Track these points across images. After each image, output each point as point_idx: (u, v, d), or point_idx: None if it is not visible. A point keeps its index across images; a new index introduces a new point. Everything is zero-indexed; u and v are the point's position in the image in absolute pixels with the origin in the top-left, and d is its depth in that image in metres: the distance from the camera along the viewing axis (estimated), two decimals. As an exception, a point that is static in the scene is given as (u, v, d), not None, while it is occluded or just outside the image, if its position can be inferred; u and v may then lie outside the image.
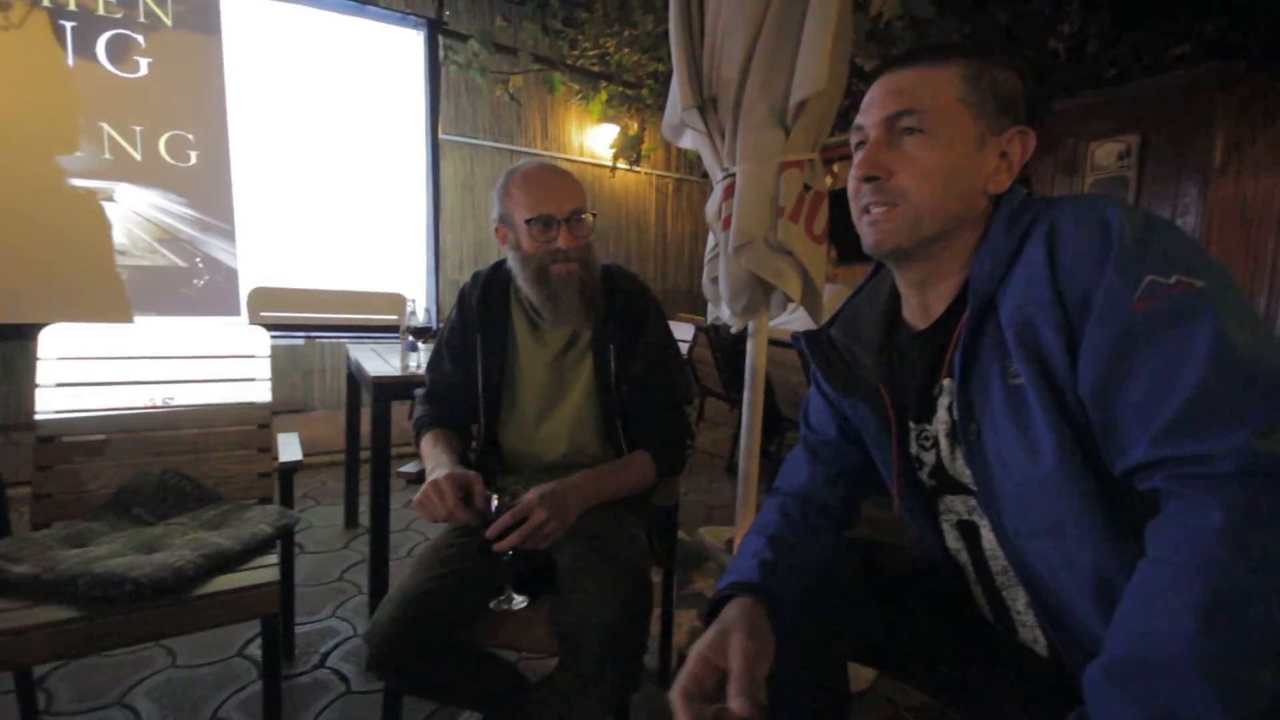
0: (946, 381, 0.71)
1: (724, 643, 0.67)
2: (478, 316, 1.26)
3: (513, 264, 1.22)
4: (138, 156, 3.10)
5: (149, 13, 3.07)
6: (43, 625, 0.97)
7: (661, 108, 1.72)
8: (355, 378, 2.21)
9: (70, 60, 2.92)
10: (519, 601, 1.08)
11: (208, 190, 3.29)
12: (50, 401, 1.39)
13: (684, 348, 2.87)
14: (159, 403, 1.49)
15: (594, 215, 1.21)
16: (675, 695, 0.65)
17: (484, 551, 1.04)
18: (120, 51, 3.02)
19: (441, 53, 3.85)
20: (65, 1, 2.88)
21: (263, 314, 3.39)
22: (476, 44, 3.50)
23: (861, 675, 1.52)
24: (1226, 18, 3.13)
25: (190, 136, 3.21)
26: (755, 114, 1.44)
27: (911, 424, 0.77)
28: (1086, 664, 0.53)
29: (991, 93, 0.69)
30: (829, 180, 5.05)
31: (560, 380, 1.25)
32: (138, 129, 3.08)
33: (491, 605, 1.08)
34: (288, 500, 1.43)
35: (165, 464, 1.43)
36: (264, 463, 1.53)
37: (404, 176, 3.98)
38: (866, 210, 0.71)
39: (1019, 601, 0.74)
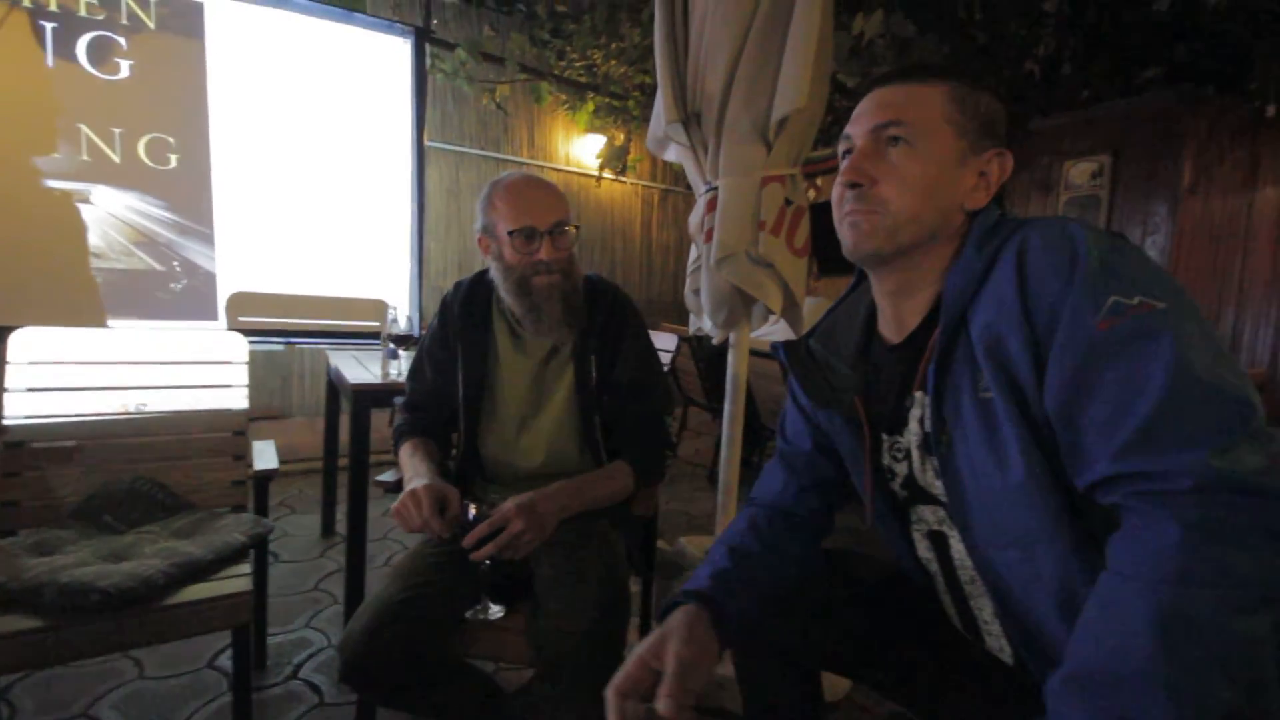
0: (918, 394, 0.73)
1: (662, 647, 0.69)
2: (459, 325, 1.26)
3: (495, 274, 1.23)
4: (116, 159, 3.05)
5: (131, 15, 3.03)
6: (6, 635, 0.95)
7: (647, 119, 1.74)
8: (335, 385, 2.19)
9: (50, 61, 2.88)
10: (495, 611, 1.08)
11: (187, 194, 3.25)
12: (19, 406, 1.36)
13: (667, 357, 2.89)
14: (131, 409, 1.47)
15: (577, 228, 1.22)
16: (610, 693, 0.67)
17: (461, 561, 1.04)
18: (101, 53, 2.98)
19: (428, 61, 3.85)
20: (46, 2, 2.84)
21: (241, 319, 3.35)
22: (464, 53, 3.51)
23: (837, 685, 1.53)
24: (1196, 43, 3.23)
25: (171, 139, 3.18)
26: (738, 129, 1.46)
27: (884, 435, 0.78)
28: (1050, 673, 0.54)
29: (975, 114, 0.71)
30: (812, 194, 5.11)
31: (541, 390, 1.26)
32: (117, 131, 3.04)
33: (468, 615, 1.07)
34: (262, 509, 1.41)
35: (137, 471, 1.41)
36: (239, 470, 1.51)
37: (388, 183, 3.97)
38: (849, 215, 0.73)
39: (986, 611, 0.75)
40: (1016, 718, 0.71)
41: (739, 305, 1.57)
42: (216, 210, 3.33)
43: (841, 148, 0.76)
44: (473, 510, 1.02)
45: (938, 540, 0.77)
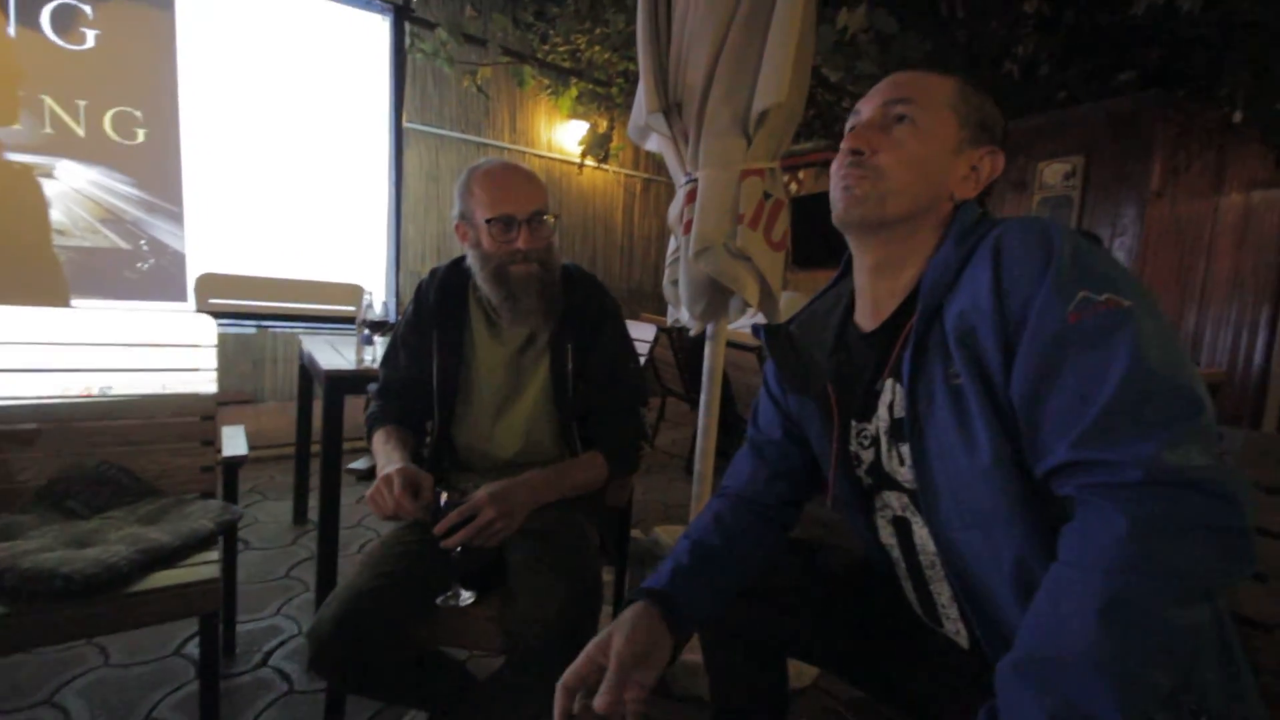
0: (889, 381, 0.75)
1: (605, 641, 0.71)
2: (435, 313, 1.25)
3: (472, 262, 1.22)
4: (81, 132, 2.96)
5: (97, -18, 2.93)
6: (-37, 622, 0.93)
7: (630, 107, 1.73)
8: (308, 370, 2.16)
9: (11, 30, 2.77)
10: (466, 598, 1.09)
11: (155, 170, 3.16)
12: (-23, 388, 1.33)
13: (645, 348, 2.90)
14: (96, 392, 1.43)
15: (555, 217, 1.22)
16: (558, 687, 0.69)
17: (433, 549, 1.04)
18: (66, 22, 2.88)
19: (408, 40, 3.78)
20: (6, -34, 2.74)
21: (211, 301, 3.28)
22: (444, 33, 3.45)
23: (804, 672, 1.57)
24: (1169, 48, 3.30)
25: (138, 113, 3.09)
26: (718, 121, 1.46)
27: (853, 422, 0.80)
28: (1004, 655, 0.56)
29: (977, 110, 0.76)
30: (794, 187, 5.14)
31: (517, 379, 1.26)
32: (81, 103, 2.95)
33: (438, 602, 1.07)
34: (231, 495, 1.39)
35: (101, 456, 1.38)
36: (207, 456, 1.48)
37: (366, 164, 3.90)
38: (844, 179, 0.75)
39: (944, 595, 0.78)
40: (971, 700, 0.74)
41: (717, 297, 1.58)
42: (186, 188, 3.25)
43: (850, 121, 0.80)
44: (444, 497, 1.02)
45: (901, 526, 0.79)
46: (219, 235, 3.40)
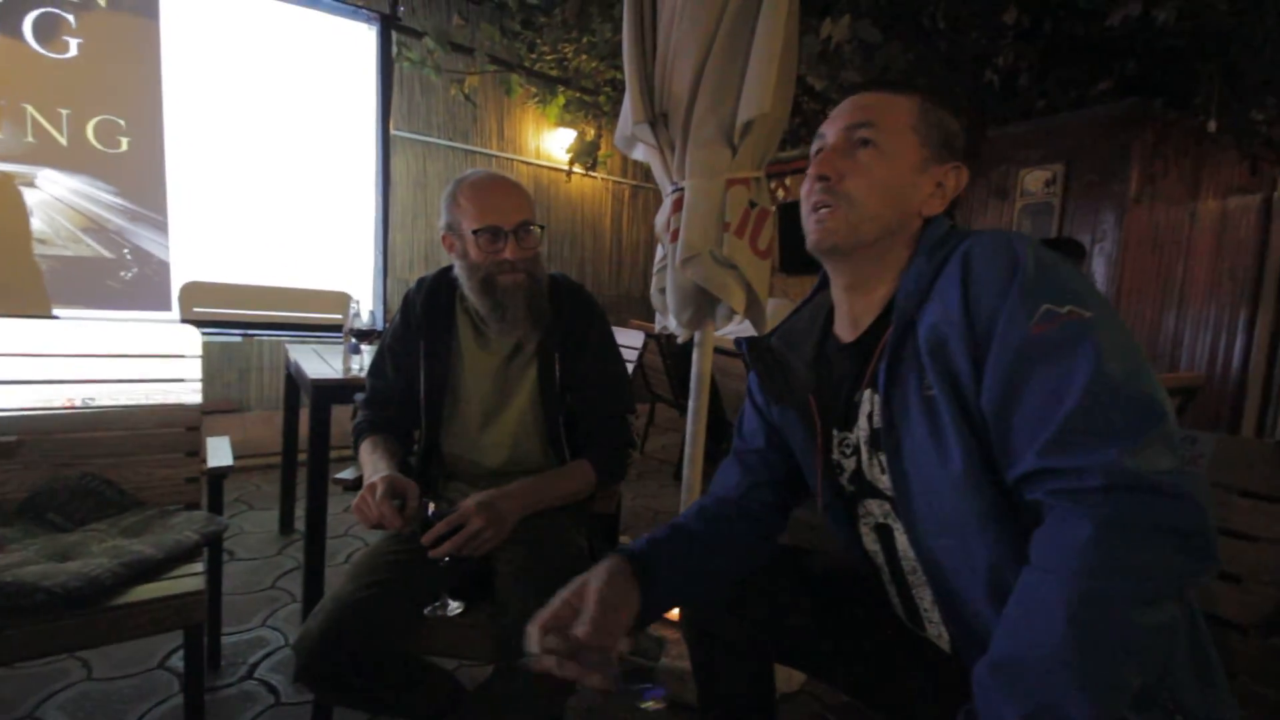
0: (868, 391, 0.77)
1: (584, 587, 0.73)
2: (422, 322, 1.26)
3: (460, 272, 1.22)
4: (63, 141, 2.93)
5: (80, -9, 2.92)
6: (-58, 638, 0.92)
7: (618, 115, 1.75)
8: (294, 379, 2.15)
9: (-9, 37, 2.75)
10: (454, 608, 1.08)
11: (139, 178, 3.14)
12: (-43, 400, 1.31)
13: (634, 354, 2.90)
14: (78, 403, 1.42)
15: (542, 227, 1.22)
16: (532, 627, 0.70)
17: (421, 559, 1.04)
18: (49, 30, 2.86)
19: (395, 49, 3.78)
20: (-12, -26, 2.72)
21: (196, 310, 3.25)
22: (432, 42, 3.46)
23: (793, 677, 1.57)
24: (1146, 59, 3.37)
25: (121, 122, 3.06)
26: (704, 131, 1.48)
27: (835, 432, 0.82)
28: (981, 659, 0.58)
29: (938, 128, 0.77)
30: (781, 194, 5.17)
31: (504, 387, 1.26)
32: (64, 112, 2.92)
33: (426, 612, 1.07)
34: (216, 506, 1.38)
35: (84, 468, 1.37)
36: (192, 467, 1.47)
37: (353, 172, 3.89)
38: (815, 208, 0.77)
39: (926, 599, 0.79)
40: (953, 703, 0.75)
41: (704, 304, 1.59)
42: (171, 196, 3.23)
43: (815, 145, 0.81)
44: (432, 507, 1.02)
45: (883, 533, 0.80)
46: (204, 244, 3.37)
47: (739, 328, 2.07)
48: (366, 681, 1.01)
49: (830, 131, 0.79)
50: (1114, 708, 0.51)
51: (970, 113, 3.63)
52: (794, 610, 0.90)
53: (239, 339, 3.49)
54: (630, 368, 2.08)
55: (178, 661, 1.55)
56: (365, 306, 1.93)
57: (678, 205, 1.52)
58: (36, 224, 2.92)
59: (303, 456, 1.80)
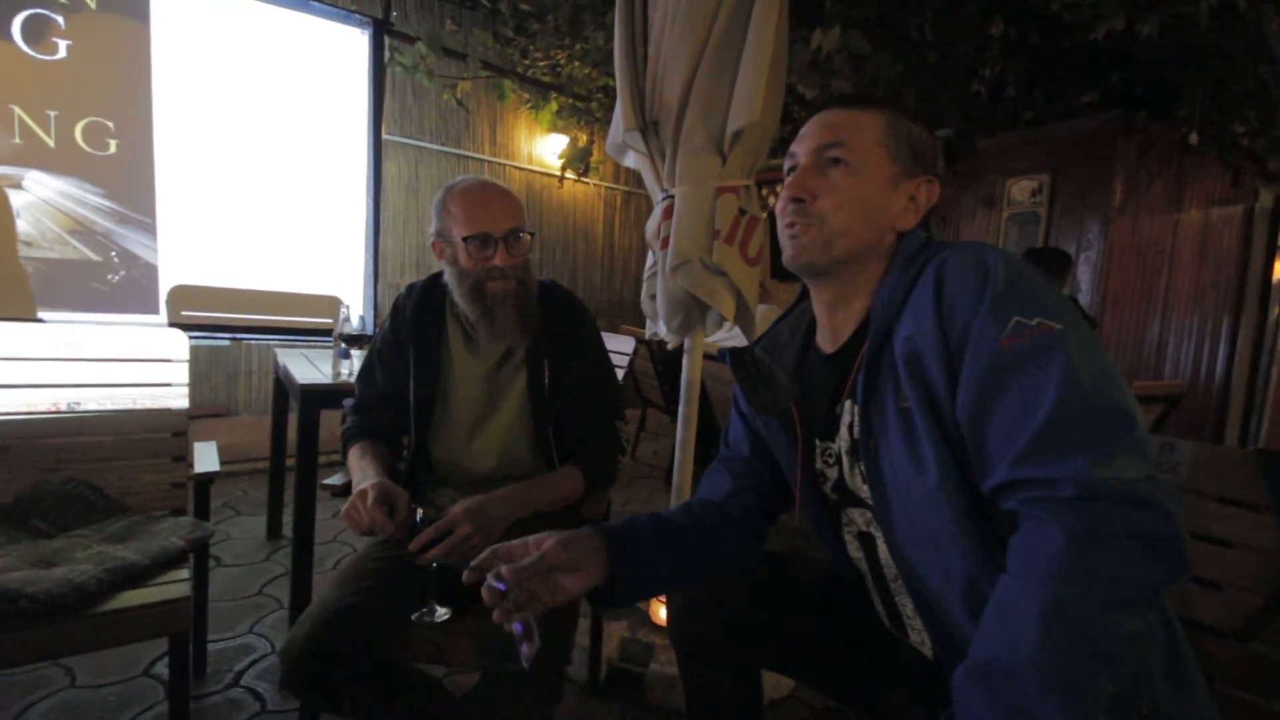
0: (848, 402, 0.77)
1: (546, 539, 0.76)
2: (412, 328, 1.26)
3: (449, 279, 1.23)
4: (50, 142, 2.91)
5: (71, -8, 2.90)
6: (-78, 645, 0.91)
7: (610, 122, 1.76)
8: (283, 383, 2.14)
9: (-20, 38, 2.73)
10: (441, 614, 1.08)
11: (127, 181, 3.12)
12: (-61, 404, 1.30)
13: (625, 360, 2.91)
14: (63, 407, 1.41)
15: (531, 234, 1.23)
16: (488, 550, 0.75)
17: (408, 565, 1.04)
18: (37, 32, 2.84)
19: (387, 54, 3.78)
20: (-24, -24, 2.70)
21: (184, 313, 3.23)
22: (424, 47, 3.46)
23: (782, 683, 1.58)
24: (1130, 71, 3.43)
25: (110, 124, 3.05)
26: (694, 140, 1.49)
27: (817, 441, 0.82)
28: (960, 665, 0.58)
29: (908, 142, 0.78)
30: (773, 200, 5.21)
31: (494, 393, 1.26)
32: (52, 114, 2.90)
33: (414, 618, 1.07)
34: (203, 512, 1.37)
35: (68, 473, 1.36)
36: (178, 472, 1.46)
37: (344, 176, 3.88)
38: (790, 227, 0.78)
39: (909, 607, 0.80)
40: (936, 708, 0.76)
41: (694, 311, 1.60)
42: (160, 199, 3.21)
43: (787, 164, 0.82)
44: (420, 514, 1.02)
45: (866, 541, 0.81)
46: (193, 247, 3.35)
47: (729, 334, 2.08)
48: (353, 689, 1.00)
49: (801, 151, 0.79)
50: (1088, 712, 0.52)
51: (958, 123, 3.67)
52: (781, 616, 0.91)
53: (227, 343, 3.46)
54: (621, 374, 2.09)
55: (163, 669, 1.53)
56: (355, 311, 1.92)
57: (668, 212, 1.53)
58: (23, 226, 2.89)
59: (291, 462, 1.79)
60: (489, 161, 4.60)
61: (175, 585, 1.12)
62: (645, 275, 1.72)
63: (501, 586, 0.70)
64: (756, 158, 1.56)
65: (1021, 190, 3.74)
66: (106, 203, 3.07)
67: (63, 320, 2.92)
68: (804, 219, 0.76)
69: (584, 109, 4.02)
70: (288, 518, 2.36)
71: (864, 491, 0.77)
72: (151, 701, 1.43)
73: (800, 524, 0.87)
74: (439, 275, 1.29)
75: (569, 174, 4.24)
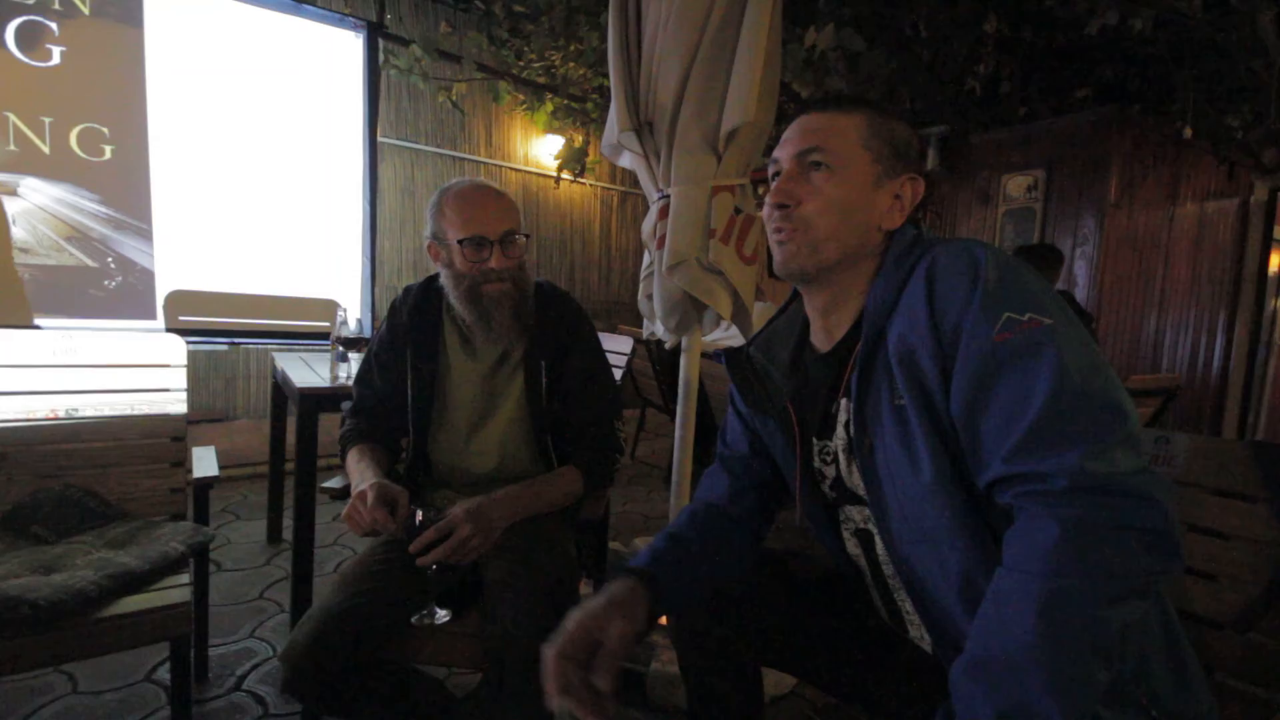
0: (844, 400, 0.78)
1: (607, 620, 0.72)
2: (409, 331, 1.26)
3: (445, 281, 1.23)
4: (46, 149, 2.91)
5: (65, 0, 2.90)
6: (-77, 653, 0.91)
7: (606, 122, 1.76)
8: (281, 387, 2.14)
9: (-26, 46, 2.73)
10: (442, 616, 1.08)
11: (123, 187, 3.11)
12: (-63, 412, 1.30)
13: (623, 360, 2.91)
14: (61, 414, 1.41)
15: (527, 236, 1.23)
16: (551, 654, 0.70)
17: (408, 567, 1.04)
18: (31, 39, 2.84)
19: (381, 57, 3.78)
20: (-30, -16, 2.70)
21: (181, 318, 3.22)
22: (419, 49, 3.46)
23: (783, 680, 1.58)
24: (1123, 66, 3.44)
25: (105, 130, 3.04)
26: (689, 139, 1.49)
27: (814, 440, 0.83)
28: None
29: (889, 141, 0.77)
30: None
31: (492, 395, 1.26)
32: (47, 120, 2.90)
33: (414, 620, 1.07)
34: (202, 517, 1.37)
35: (68, 479, 1.36)
36: (177, 477, 1.46)
37: (340, 179, 3.87)
38: (777, 233, 0.78)
39: (908, 604, 0.80)
40: (936, 704, 0.77)
41: (690, 310, 1.61)
42: (156, 205, 3.20)
43: (771, 169, 0.82)
44: (419, 516, 1.02)
45: (864, 538, 0.82)
46: (189, 252, 3.34)
47: (726, 333, 2.09)
48: (355, 691, 1.01)
49: (783, 156, 0.80)
50: (1083, 703, 0.53)
51: (953, 120, 3.68)
52: (781, 613, 0.91)
53: (225, 347, 3.46)
54: (619, 373, 2.09)
55: (164, 674, 1.53)
56: (353, 314, 1.92)
57: (664, 212, 1.53)
58: (18, 233, 2.89)
59: (290, 466, 1.79)
60: (485, 163, 4.59)
61: (176, 590, 1.12)
62: (642, 275, 1.73)
63: None
64: (751, 157, 1.56)
65: (1017, 186, 3.75)
66: (102, 209, 3.07)
67: (60, 327, 2.92)
68: (789, 224, 0.77)
69: (579, 110, 4.02)
70: (288, 522, 2.36)
71: (861, 489, 0.78)
72: (154, 707, 1.43)
73: (800, 522, 0.87)
74: (435, 278, 1.29)
75: (565, 175, 4.24)
